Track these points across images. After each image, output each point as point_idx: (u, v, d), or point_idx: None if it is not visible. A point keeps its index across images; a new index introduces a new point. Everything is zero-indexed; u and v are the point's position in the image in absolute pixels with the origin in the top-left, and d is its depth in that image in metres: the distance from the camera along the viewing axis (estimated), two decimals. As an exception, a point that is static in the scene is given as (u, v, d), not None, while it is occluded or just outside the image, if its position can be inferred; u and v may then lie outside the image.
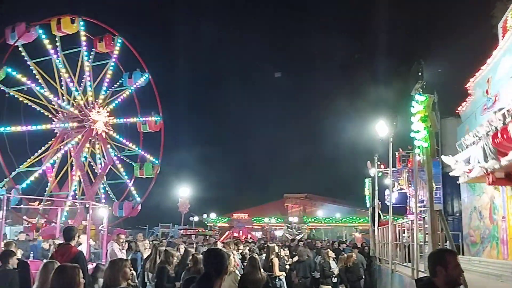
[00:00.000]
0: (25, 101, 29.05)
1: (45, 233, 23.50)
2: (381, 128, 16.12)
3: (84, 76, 30.82)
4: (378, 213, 20.09)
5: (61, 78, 30.37)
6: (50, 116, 30.12)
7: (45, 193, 28.83)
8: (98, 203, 22.76)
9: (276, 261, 11.75)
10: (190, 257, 9.09)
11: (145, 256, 11.61)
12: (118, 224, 31.44)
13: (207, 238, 28.75)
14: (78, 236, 8.84)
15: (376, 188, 20.20)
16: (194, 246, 14.99)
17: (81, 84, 30.94)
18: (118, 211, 30.87)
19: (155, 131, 34.31)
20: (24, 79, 28.52)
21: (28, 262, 9.82)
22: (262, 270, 8.69)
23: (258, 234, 47.16)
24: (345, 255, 14.66)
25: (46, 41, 29.06)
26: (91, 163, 32.24)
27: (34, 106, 29.53)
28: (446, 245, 9.70)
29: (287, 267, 13.63)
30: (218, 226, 54.11)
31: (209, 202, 55.16)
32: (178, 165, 49.58)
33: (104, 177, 31.67)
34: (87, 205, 15.22)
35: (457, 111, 19.97)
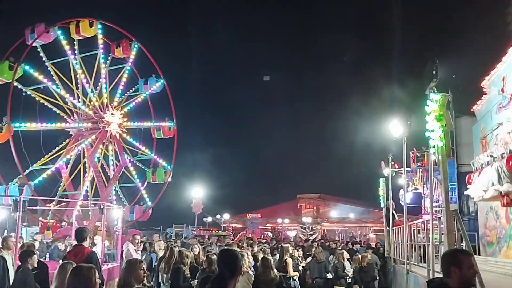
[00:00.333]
0: (41, 100, 29.42)
1: (60, 234, 23.75)
2: (395, 128, 16.01)
3: (100, 80, 31.20)
4: (393, 213, 19.95)
5: (78, 80, 30.74)
6: (65, 117, 30.43)
7: (58, 193, 29.15)
8: (113, 204, 22.90)
9: (290, 261, 11.74)
10: (204, 258, 9.15)
11: (160, 256, 11.66)
12: (132, 225, 31.66)
13: (221, 238, 28.87)
14: (90, 238, 8.93)
15: (390, 188, 20.07)
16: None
17: (97, 87, 31.29)
18: (129, 215, 31.08)
19: (169, 137, 34.65)
20: (41, 77, 28.92)
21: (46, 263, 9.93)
22: (275, 270, 8.69)
23: (270, 235, 47.12)
24: (359, 255, 14.58)
25: (64, 42, 29.47)
26: (104, 165, 32.48)
27: (50, 106, 29.88)
28: (462, 245, 9.63)
29: (301, 267, 13.60)
30: (232, 226, 54.16)
31: (223, 203, 55.18)
32: (191, 166, 49.75)
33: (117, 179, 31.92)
34: (101, 206, 15.35)
35: (472, 110, 19.78)
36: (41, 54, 29.62)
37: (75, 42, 30.36)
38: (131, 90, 33.42)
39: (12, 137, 25.92)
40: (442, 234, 9.74)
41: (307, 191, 60.71)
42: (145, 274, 5.63)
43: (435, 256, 10.79)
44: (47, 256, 16.38)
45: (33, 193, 26.11)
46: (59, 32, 28.99)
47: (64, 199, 28.50)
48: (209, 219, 50.97)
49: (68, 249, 12.47)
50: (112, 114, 31.12)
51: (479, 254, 17.13)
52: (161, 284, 9.93)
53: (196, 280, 8.84)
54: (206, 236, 34.48)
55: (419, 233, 14.69)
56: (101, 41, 30.82)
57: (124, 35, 32.04)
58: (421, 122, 10.10)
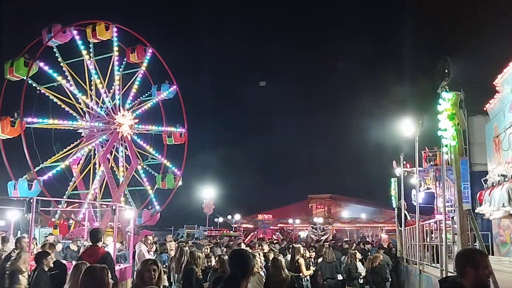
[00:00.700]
0: (55, 99, 29.74)
1: (73, 234, 23.91)
2: (406, 127, 15.93)
3: (114, 84, 31.53)
4: (405, 213, 19.84)
5: (91, 81, 31.10)
6: (77, 117, 30.69)
7: (67, 192, 29.37)
8: (125, 205, 23.01)
9: (302, 261, 11.73)
10: (216, 258, 9.15)
11: (171, 257, 11.69)
12: (144, 226, 31.81)
13: (232, 239, 28.89)
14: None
15: (402, 188, 19.95)
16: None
17: (110, 90, 31.61)
18: (137, 219, 31.27)
19: (180, 143, 34.95)
20: (55, 75, 29.20)
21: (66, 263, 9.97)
22: (286, 270, 8.69)
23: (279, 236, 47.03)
24: (373, 255, 14.51)
25: (79, 42, 29.83)
26: (113, 167, 32.68)
27: (63, 106, 30.18)
28: (476, 245, 9.54)
29: (312, 268, 13.55)
30: (243, 227, 54.16)
31: (234, 203, 55.22)
32: (202, 167, 49.87)
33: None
34: (113, 207, 15.44)
35: (484, 109, 19.60)
36: (57, 54, 30.05)
37: (90, 44, 30.78)
38: (144, 96, 33.94)
39: (24, 133, 26.11)
40: (455, 234, 9.65)
41: (318, 191, 60.50)
42: (157, 275, 5.57)
43: (448, 256, 10.71)
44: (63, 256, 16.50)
45: (42, 188, 26.30)
46: (75, 32, 29.36)
47: (76, 200, 28.68)
48: (220, 219, 51.05)
49: (81, 250, 12.58)
50: (123, 115, 31.33)
51: (492, 254, 16.96)
52: (173, 284, 9.96)
53: (208, 283, 8.86)
54: (217, 237, 34.56)
55: (431, 233, 14.59)
56: (116, 43, 31.21)
57: (138, 40, 32.58)
58: (433, 121, 10.03)
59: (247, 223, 55.42)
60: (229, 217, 53.88)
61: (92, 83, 31.13)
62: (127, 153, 32.30)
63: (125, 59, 32.40)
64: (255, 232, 48.57)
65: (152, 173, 34.26)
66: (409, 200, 21.60)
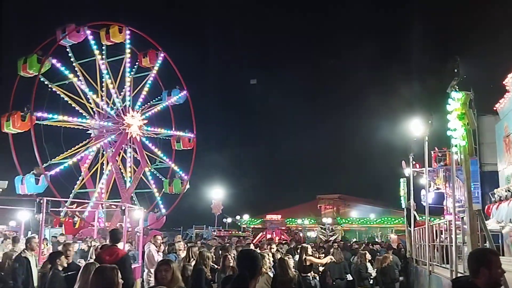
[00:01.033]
0: (66, 98, 30.00)
1: (83, 234, 24.05)
2: (415, 127, 15.84)
3: (125, 87, 31.81)
4: (414, 214, 19.73)
5: (103, 81, 31.30)
6: (87, 116, 30.90)
7: (73, 190, 29.52)
8: (134, 206, 23.11)
9: (311, 258, 11.73)
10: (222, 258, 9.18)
11: (180, 257, 11.72)
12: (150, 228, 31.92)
13: (241, 239, 28.90)
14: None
15: (412, 188, 19.84)
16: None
17: (121, 92, 31.86)
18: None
19: (189, 148, 35.09)
20: (67, 72, 29.65)
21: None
22: (292, 270, 8.70)
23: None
24: (382, 255, 14.44)
25: (92, 42, 30.26)
26: (121, 168, 32.86)
27: (73, 104, 30.42)
28: (486, 245, 9.46)
29: (321, 268, 13.51)
30: (251, 227, 54.18)
31: (242, 204, 55.35)
32: (211, 167, 49.98)
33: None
34: (123, 207, 15.52)
35: (494, 108, 19.47)
36: (70, 54, 30.50)
37: (103, 46, 31.22)
38: (154, 100, 34.48)
39: (33, 127, 26.37)
40: (466, 234, 9.59)
41: (327, 192, 60.40)
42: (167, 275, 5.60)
43: (458, 257, 10.65)
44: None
45: (49, 183, 26.46)
46: (88, 32, 29.66)
47: (87, 200, 28.82)
48: (229, 220, 51.10)
49: (91, 250, 12.64)
50: (132, 116, 31.48)
51: (503, 255, 16.78)
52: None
53: (216, 284, 8.86)
54: (226, 238, 34.59)
55: (441, 233, 14.50)
56: (128, 45, 31.70)
57: (150, 44, 33.32)
58: (442, 121, 9.98)
59: (256, 224, 55.44)
60: (238, 217, 53.95)
61: (103, 84, 31.41)
62: (135, 155, 32.48)
63: (137, 62, 32.86)
64: (264, 233, 48.51)
65: (160, 177, 34.40)
66: (418, 201, 21.49)
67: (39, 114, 27.09)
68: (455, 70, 9.39)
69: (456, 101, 9.03)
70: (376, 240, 39.70)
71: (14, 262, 10.10)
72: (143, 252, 14.23)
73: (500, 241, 17.57)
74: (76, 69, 30.65)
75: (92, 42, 30.18)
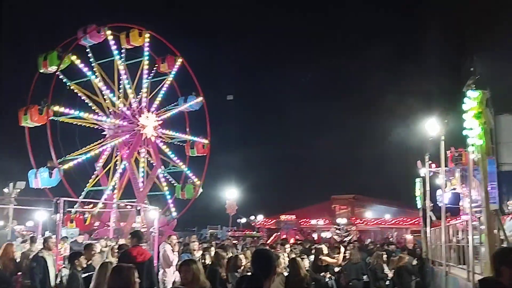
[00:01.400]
0: (83, 96, 30.34)
1: (99, 234, 24.25)
2: (431, 126, 15.71)
3: (142, 90, 32.07)
4: (430, 214, 19.56)
5: (120, 82, 31.64)
6: (103, 115, 31.17)
7: (85, 188, 29.75)
8: (149, 206, 23.24)
9: (326, 259, 11.71)
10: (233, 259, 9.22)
11: (195, 257, 11.76)
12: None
13: (255, 239, 28.94)
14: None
15: (428, 188, 19.67)
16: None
17: (138, 95, 32.12)
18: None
19: (203, 154, 35.45)
20: (85, 69, 29.98)
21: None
22: (304, 270, 8.73)
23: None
24: (398, 256, 14.34)
25: (111, 42, 30.57)
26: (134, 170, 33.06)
27: (90, 103, 30.75)
28: (504, 245, 9.36)
29: (336, 269, 13.45)
30: (266, 228, 54.16)
31: (257, 204, 55.25)
32: (225, 167, 50.01)
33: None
34: (138, 208, 15.63)
35: (512, 107, 19.21)
36: (89, 54, 30.91)
37: (122, 50, 31.57)
38: (170, 105, 34.72)
39: (50, 123, 26.68)
40: (483, 234, 9.51)
41: (341, 192, 60.10)
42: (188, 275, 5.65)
43: (475, 257, 10.54)
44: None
45: (62, 178, 26.67)
46: (108, 32, 29.97)
47: (105, 201, 29.04)
48: (243, 220, 51.14)
49: (107, 250, 12.74)
50: (147, 117, 31.70)
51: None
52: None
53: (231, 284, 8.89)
54: (240, 238, 34.65)
55: (457, 234, 14.37)
56: (147, 51, 31.98)
57: (168, 48, 33.82)
58: (459, 120, 9.89)
59: (270, 224, 55.40)
60: (252, 217, 53.98)
61: (121, 85, 31.73)
62: (148, 158, 32.70)
63: (155, 67, 33.35)
64: (278, 233, 48.46)
65: (172, 182, 34.50)
66: (434, 201, 21.29)
67: (56, 108, 27.40)
68: (471, 69, 9.33)
69: (472, 100, 8.95)
70: (391, 240, 39.41)
71: (32, 261, 10.25)
72: (158, 252, 14.34)
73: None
74: (95, 69, 30.97)
75: (112, 42, 30.50)
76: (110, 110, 31.54)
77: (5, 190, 20.81)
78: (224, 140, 57.48)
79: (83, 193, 29.36)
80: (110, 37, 30.23)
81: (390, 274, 13.47)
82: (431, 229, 18.34)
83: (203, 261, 10.12)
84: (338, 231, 48.88)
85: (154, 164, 32.50)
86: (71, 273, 8.38)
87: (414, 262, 16.38)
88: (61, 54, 27.70)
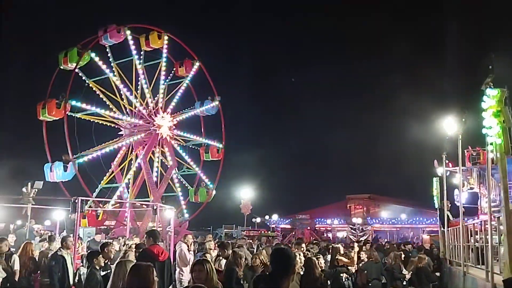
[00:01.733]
0: (101, 95, 30.63)
1: (115, 234, 24.44)
2: (449, 125, 15.54)
3: (159, 93, 32.38)
4: (447, 214, 19.36)
5: (138, 83, 31.97)
6: (119, 115, 31.39)
7: (100, 185, 29.97)
8: (165, 205, 23.37)
9: (342, 258, 11.66)
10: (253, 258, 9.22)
11: (211, 256, 11.79)
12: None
13: (270, 239, 28.91)
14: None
15: (445, 187, 19.48)
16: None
17: (155, 97, 32.36)
18: None
19: (217, 159, 35.65)
20: (104, 67, 30.29)
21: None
22: (319, 269, 8.73)
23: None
24: (417, 256, 14.22)
25: (131, 42, 30.88)
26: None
27: (107, 102, 31.02)
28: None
29: (353, 269, 13.36)
30: (281, 227, 54.13)
31: (272, 204, 55.25)
32: (240, 167, 50.07)
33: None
34: (154, 207, 15.73)
35: (532, 105, 18.91)
36: (109, 54, 31.25)
37: (141, 51, 31.87)
38: (186, 109, 34.92)
39: (67, 118, 26.97)
40: (501, 234, 9.39)
41: (356, 192, 59.83)
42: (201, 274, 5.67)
43: (494, 257, 10.42)
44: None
45: (76, 172, 26.89)
46: (128, 32, 30.34)
47: (122, 200, 29.23)
48: (258, 219, 51.18)
49: (123, 248, 12.83)
50: (162, 117, 31.89)
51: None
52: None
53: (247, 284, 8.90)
54: (256, 238, 34.65)
55: (476, 234, 14.20)
56: (165, 54, 32.23)
57: (186, 51, 34.08)
58: (477, 119, 9.78)
59: (285, 224, 55.37)
60: (267, 217, 53.97)
61: (138, 86, 32.03)
62: (162, 159, 32.87)
63: (172, 70, 33.80)
64: (293, 233, 48.41)
65: (186, 185, 34.60)
66: (451, 201, 21.08)
67: (74, 102, 27.74)
68: (490, 67, 9.22)
69: (491, 98, 8.85)
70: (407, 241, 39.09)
71: (51, 260, 10.38)
72: (175, 251, 14.42)
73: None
74: (113, 69, 31.28)
75: (131, 42, 30.80)
76: (126, 110, 31.78)
77: (23, 189, 21.07)
78: (239, 139, 57.64)
79: (97, 190, 29.56)
80: (129, 37, 30.57)
81: (408, 275, 13.36)
82: (449, 229, 18.13)
83: (219, 261, 10.13)
84: (353, 231, 48.73)
85: (167, 166, 32.66)
86: (89, 272, 8.47)
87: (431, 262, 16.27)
88: (81, 51, 28.08)
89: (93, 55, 29.37)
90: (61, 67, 28.58)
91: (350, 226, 50.49)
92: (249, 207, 44.77)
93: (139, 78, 31.76)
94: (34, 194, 20.96)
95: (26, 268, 11.04)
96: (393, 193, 60.00)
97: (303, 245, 13.83)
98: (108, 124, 31.26)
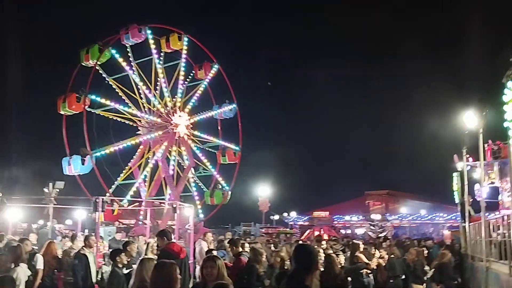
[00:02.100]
0: (120, 92, 30.94)
1: (135, 232, 24.64)
2: (469, 119, 15.34)
3: (177, 94, 32.58)
4: (469, 209, 19.14)
5: (157, 83, 32.26)
6: (138, 113, 31.62)
7: (116, 182, 30.16)
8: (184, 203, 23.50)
9: (361, 256, 11.61)
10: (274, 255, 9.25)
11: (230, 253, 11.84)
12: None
13: (288, 236, 28.93)
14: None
15: (466, 182, 19.25)
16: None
17: (174, 98, 32.55)
18: None
19: (234, 162, 35.72)
20: (124, 64, 30.53)
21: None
22: (338, 266, 8.74)
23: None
24: (440, 252, 14.09)
25: (151, 41, 31.13)
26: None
27: (126, 100, 31.29)
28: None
29: (374, 266, 13.27)
30: (299, 224, 54.07)
31: (289, 201, 55.28)
32: (257, 164, 50.11)
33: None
34: (174, 205, 15.84)
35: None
36: (129, 54, 31.50)
37: (161, 52, 32.05)
38: (204, 112, 34.96)
39: (86, 112, 27.27)
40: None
41: (375, 188, 59.48)
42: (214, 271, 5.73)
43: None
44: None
45: (94, 166, 27.05)
46: (148, 31, 30.64)
47: (140, 199, 29.42)
48: (276, 217, 51.19)
49: (145, 247, 12.95)
50: (180, 116, 32.04)
51: None
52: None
53: (268, 281, 8.92)
54: (274, 235, 34.65)
55: (498, 228, 14.02)
56: (185, 52, 32.37)
57: (205, 53, 34.27)
58: (497, 112, 9.65)
59: (303, 221, 55.29)
60: (285, 214, 53.97)
61: (157, 85, 32.26)
62: (178, 159, 33.00)
63: (192, 73, 33.98)
64: (312, 229, 48.31)
65: (201, 186, 34.64)
66: (472, 195, 20.82)
67: (93, 97, 28.08)
68: (511, 59, 9.07)
69: (512, 91, 8.72)
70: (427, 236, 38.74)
71: (74, 259, 10.53)
72: (194, 249, 14.53)
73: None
74: (133, 67, 31.55)
75: (151, 41, 31.01)
76: (145, 108, 32.00)
77: (45, 190, 21.36)
78: (256, 138, 57.73)
79: (113, 186, 29.76)
80: (150, 37, 30.81)
81: (430, 272, 13.21)
82: (470, 224, 17.93)
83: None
84: (372, 227, 48.43)
85: (183, 166, 32.78)
86: (112, 270, 8.57)
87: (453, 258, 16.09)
88: (102, 48, 28.46)
89: (113, 52, 29.68)
90: (83, 64, 28.97)
91: (369, 222, 50.20)
92: (267, 204, 44.77)
93: (158, 78, 31.97)
94: (55, 194, 21.22)
95: (49, 267, 11.20)
96: (412, 189, 59.61)
97: (323, 242, 13.83)
98: (126, 122, 31.48)
